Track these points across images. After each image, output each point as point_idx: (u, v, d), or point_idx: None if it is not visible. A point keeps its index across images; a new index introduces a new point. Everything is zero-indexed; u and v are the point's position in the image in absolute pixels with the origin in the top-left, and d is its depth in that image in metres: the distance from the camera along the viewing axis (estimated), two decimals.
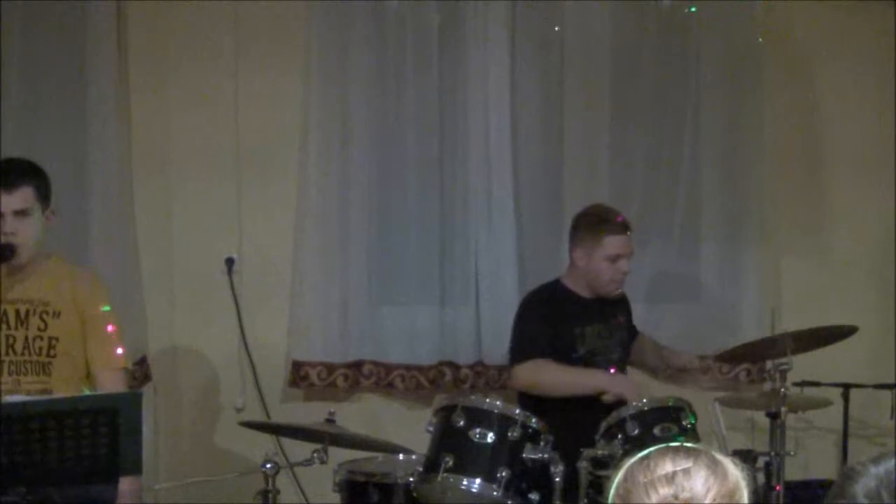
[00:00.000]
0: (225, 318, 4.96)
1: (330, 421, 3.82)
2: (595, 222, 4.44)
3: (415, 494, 3.92)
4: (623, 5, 5.09)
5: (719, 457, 1.88)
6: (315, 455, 3.77)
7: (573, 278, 4.48)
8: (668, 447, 1.89)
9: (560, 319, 4.43)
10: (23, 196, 3.75)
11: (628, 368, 4.68)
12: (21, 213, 3.75)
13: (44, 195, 3.82)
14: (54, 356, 3.84)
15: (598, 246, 4.38)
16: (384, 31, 4.98)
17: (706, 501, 1.80)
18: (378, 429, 4.23)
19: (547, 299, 4.50)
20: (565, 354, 4.39)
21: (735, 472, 1.86)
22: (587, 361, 4.43)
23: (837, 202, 5.26)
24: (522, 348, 4.43)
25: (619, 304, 4.61)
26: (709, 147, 5.13)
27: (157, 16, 4.92)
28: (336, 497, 4.08)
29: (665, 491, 1.81)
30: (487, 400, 4.01)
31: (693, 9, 5.08)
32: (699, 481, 1.82)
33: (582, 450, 3.86)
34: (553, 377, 4.33)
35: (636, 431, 3.92)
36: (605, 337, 4.49)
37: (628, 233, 4.42)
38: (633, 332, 4.73)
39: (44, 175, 3.85)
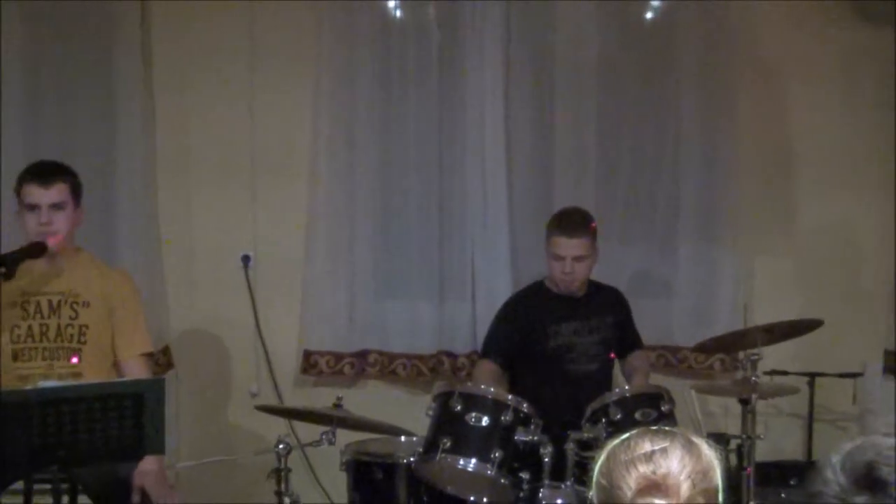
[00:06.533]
0: (241, 310, 5.07)
1: (338, 405, 3.90)
2: (551, 222, 4.46)
3: (415, 473, 4.04)
4: (609, 14, 5.07)
5: (695, 438, 1.91)
6: (324, 437, 3.87)
7: (552, 277, 4.55)
8: (648, 429, 1.93)
9: (531, 317, 4.50)
10: (58, 190, 3.92)
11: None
12: (56, 207, 3.90)
13: (76, 193, 3.98)
14: (84, 343, 3.98)
15: (549, 245, 4.44)
16: (388, 40, 5.03)
17: (681, 478, 1.85)
18: (382, 413, 4.21)
19: (519, 301, 4.60)
20: (535, 349, 4.48)
21: (709, 453, 1.90)
22: (559, 356, 4.49)
23: (806, 204, 5.25)
24: (484, 346, 4.64)
25: (610, 305, 4.63)
26: (687, 152, 5.13)
27: (178, 22, 4.99)
28: (343, 475, 4.20)
29: (643, 468, 1.86)
30: (482, 386, 4.11)
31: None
32: (675, 460, 1.86)
33: (569, 433, 3.96)
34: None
35: (619, 416, 3.99)
36: (584, 334, 4.51)
37: (582, 237, 4.37)
38: (630, 340, 4.72)
39: (76, 175, 4.01)
